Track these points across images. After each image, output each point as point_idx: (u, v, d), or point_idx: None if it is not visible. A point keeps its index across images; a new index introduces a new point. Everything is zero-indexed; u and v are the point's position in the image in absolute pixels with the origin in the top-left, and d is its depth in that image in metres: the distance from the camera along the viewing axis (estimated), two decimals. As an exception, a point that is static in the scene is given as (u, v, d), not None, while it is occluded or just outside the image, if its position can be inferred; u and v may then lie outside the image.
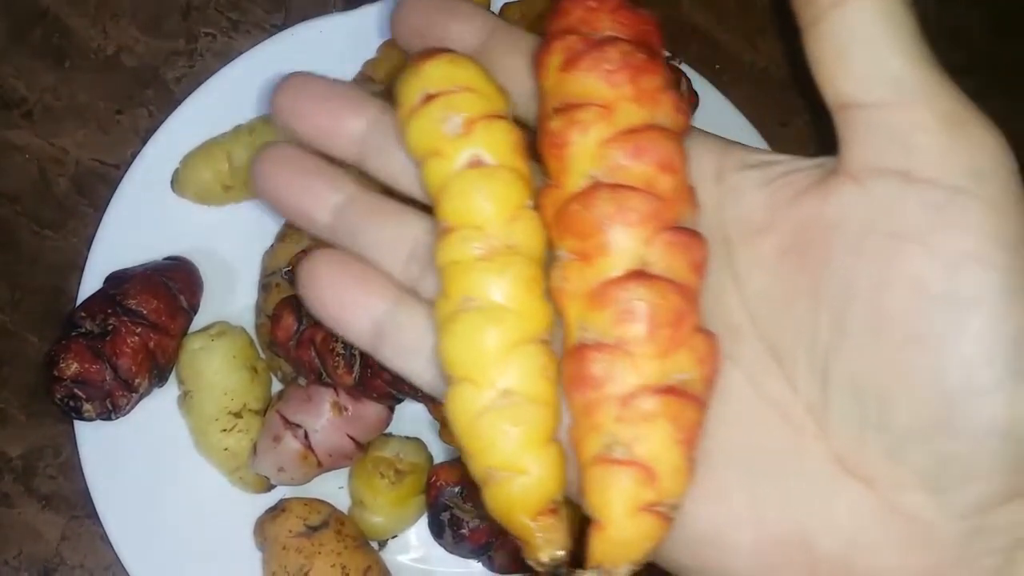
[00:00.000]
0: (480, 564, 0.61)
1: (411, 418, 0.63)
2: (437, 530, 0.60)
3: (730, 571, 0.29)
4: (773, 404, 0.29)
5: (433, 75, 0.31)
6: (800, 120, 0.73)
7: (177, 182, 0.64)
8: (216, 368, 0.60)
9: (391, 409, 0.60)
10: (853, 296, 0.27)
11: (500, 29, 0.34)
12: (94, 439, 0.61)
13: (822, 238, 0.28)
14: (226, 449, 0.60)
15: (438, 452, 0.62)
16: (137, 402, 0.60)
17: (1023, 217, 0.26)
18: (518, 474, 0.29)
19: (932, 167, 0.27)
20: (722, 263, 0.31)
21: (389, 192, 0.34)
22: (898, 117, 0.27)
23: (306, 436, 0.58)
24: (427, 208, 0.33)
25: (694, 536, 0.29)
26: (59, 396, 0.58)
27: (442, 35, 0.34)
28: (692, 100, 0.66)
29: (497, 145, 0.31)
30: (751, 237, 0.30)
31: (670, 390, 0.28)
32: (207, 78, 0.67)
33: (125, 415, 0.60)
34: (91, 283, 0.63)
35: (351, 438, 0.59)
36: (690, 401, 0.29)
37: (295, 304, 0.57)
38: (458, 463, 0.61)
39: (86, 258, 0.64)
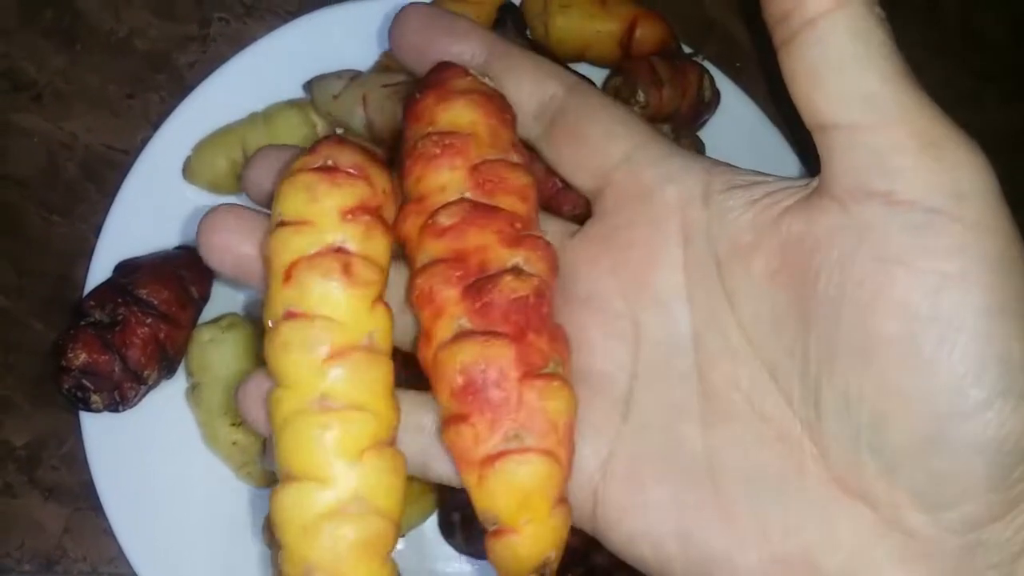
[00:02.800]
0: (490, 565, 0.60)
1: (423, 415, 0.62)
2: (448, 530, 0.59)
3: None
4: (773, 426, 0.29)
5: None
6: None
7: (188, 170, 0.63)
8: (226, 361, 0.59)
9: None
10: (841, 319, 0.27)
11: (498, 46, 0.34)
12: (99, 430, 0.60)
13: (808, 261, 0.28)
14: (235, 443, 0.59)
15: (450, 451, 0.62)
16: (145, 394, 0.59)
17: (1007, 236, 0.26)
18: None
19: (912, 189, 0.26)
20: (715, 285, 0.31)
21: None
22: (876, 138, 0.27)
23: (317, 432, 0.57)
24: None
25: (701, 557, 0.29)
26: (67, 387, 0.56)
27: (441, 53, 0.34)
28: (713, 98, 0.65)
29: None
30: (740, 258, 0.30)
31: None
32: (220, 64, 0.65)
33: (132, 407, 0.59)
34: (99, 271, 0.61)
35: (363, 435, 0.58)
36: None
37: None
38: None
39: (94, 245, 0.63)
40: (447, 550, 0.60)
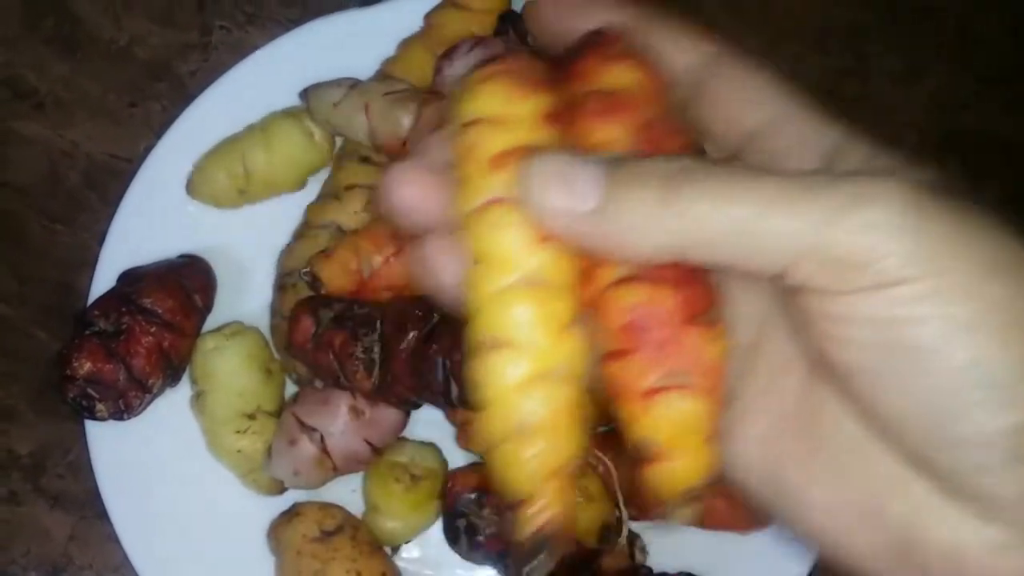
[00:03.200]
0: (495, 572, 0.61)
1: (427, 422, 0.62)
2: (452, 536, 0.59)
3: (803, 522, 0.31)
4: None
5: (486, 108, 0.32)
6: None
7: (191, 186, 0.63)
8: (230, 369, 0.59)
9: (408, 414, 0.60)
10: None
11: (641, 16, 0.35)
12: (104, 438, 0.60)
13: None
14: (239, 451, 0.60)
15: (454, 457, 0.62)
16: (150, 402, 0.59)
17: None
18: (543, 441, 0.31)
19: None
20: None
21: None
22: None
23: (322, 440, 0.57)
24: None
25: (777, 488, 0.32)
26: (72, 396, 0.57)
27: (588, 23, 0.35)
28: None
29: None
30: None
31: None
32: (221, 72, 0.65)
33: (137, 415, 0.59)
34: (103, 280, 0.62)
35: (367, 442, 0.58)
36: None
37: (313, 306, 0.56)
38: (475, 469, 0.60)
39: (96, 253, 0.63)
40: (453, 556, 0.61)
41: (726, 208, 0.28)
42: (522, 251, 0.32)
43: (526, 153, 0.31)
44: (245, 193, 0.62)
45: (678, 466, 0.32)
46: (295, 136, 0.62)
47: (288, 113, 0.63)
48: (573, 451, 0.33)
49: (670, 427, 0.31)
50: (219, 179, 0.62)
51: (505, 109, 0.32)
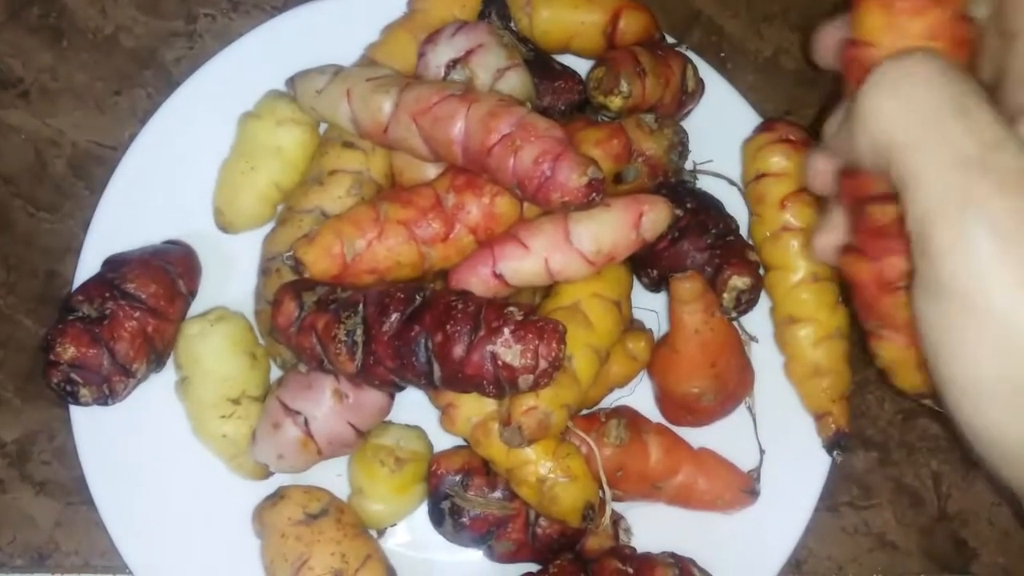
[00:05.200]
0: (480, 553, 0.61)
1: (411, 406, 0.62)
2: (437, 519, 0.59)
3: None
4: None
5: None
6: (808, 111, 0.73)
7: (224, 222, 0.64)
8: (215, 354, 0.59)
9: (392, 397, 0.60)
10: None
11: None
12: (89, 424, 0.60)
13: None
14: (224, 436, 0.60)
15: (439, 440, 0.62)
16: (134, 388, 0.59)
17: None
18: None
19: None
20: None
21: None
22: None
23: (306, 423, 0.58)
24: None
25: None
26: (55, 381, 0.57)
27: None
28: (697, 87, 0.66)
29: None
30: None
31: None
32: (206, 59, 0.66)
33: (121, 401, 0.59)
34: (88, 266, 0.62)
35: (351, 425, 0.58)
36: None
37: (296, 289, 0.56)
38: (459, 451, 0.60)
39: (82, 241, 0.63)
40: (439, 538, 0.61)
41: None
42: (802, 259, 0.62)
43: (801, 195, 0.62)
44: (278, 204, 0.63)
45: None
46: (298, 136, 0.63)
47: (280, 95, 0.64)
48: (848, 384, 0.63)
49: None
50: (251, 206, 0.62)
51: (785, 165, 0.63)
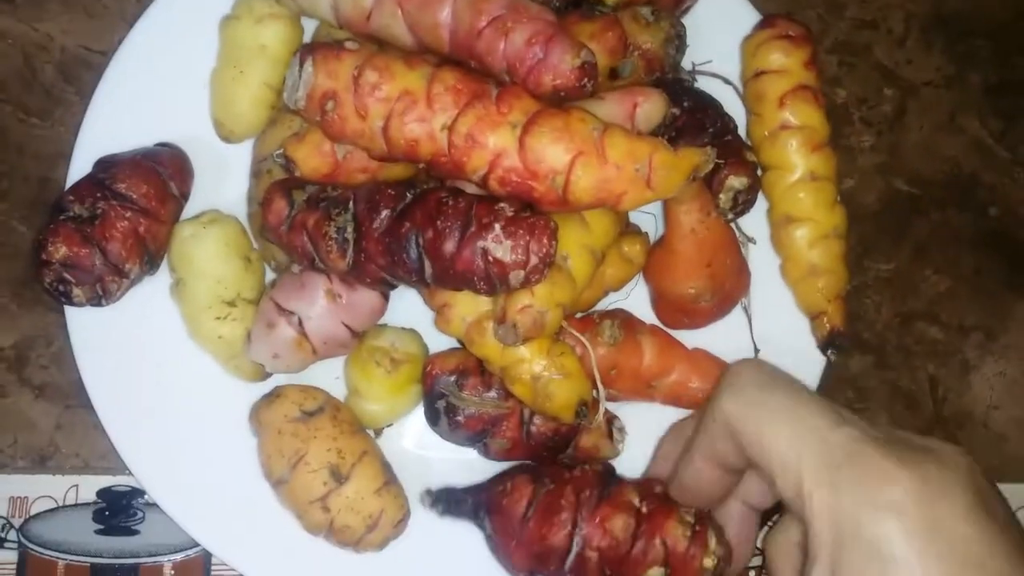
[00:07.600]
0: (475, 451, 0.61)
1: (406, 308, 0.62)
2: (433, 418, 0.60)
3: None
4: None
5: None
6: (810, 12, 0.71)
7: (223, 131, 0.62)
8: (208, 256, 0.59)
9: (386, 297, 0.60)
10: None
11: None
12: (86, 327, 0.60)
13: None
14: (220, 337, 0.60)
15: (433, 342, 0.62)
16: (128, 288, 0.59)
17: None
18: None
19: None
20: None
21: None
22: None
23: (300, 323, 0.58)
24: None
25: None
26: (48, 281, 0.57)
27: None
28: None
29: None
30: None
31: None
32: (195, -40, 0.64)
33: (116, 302, 0.59)
34: (79, 170, 0.61)
35: (346, 326, 0.58)
36: None
37: (286, 187, 0.56)
38: (454, 352, 0.61)
39: (74, 147, 0.62)
40: (435, 438, 0.61)
41: None
42: (800, 158, 0.62)
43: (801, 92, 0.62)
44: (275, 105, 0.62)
45: None
46: (278, 30, 0.61)
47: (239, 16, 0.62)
48: (845, 284, 0.63)
49: None
50: (247, 111, 0.61)
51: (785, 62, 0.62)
